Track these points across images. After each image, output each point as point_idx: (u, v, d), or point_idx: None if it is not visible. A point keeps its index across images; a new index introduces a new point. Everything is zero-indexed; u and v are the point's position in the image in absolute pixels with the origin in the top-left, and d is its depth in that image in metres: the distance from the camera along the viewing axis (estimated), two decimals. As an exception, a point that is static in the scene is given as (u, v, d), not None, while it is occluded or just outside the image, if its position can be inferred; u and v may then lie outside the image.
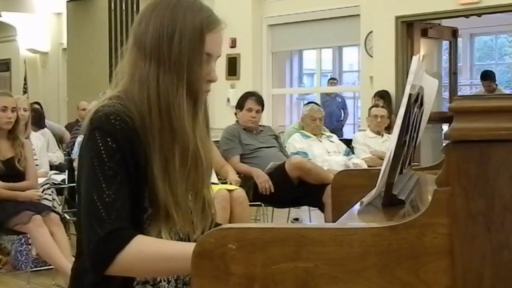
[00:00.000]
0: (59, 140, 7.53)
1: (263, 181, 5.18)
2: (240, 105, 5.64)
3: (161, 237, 1.58)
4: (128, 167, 1.53)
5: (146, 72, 1.58)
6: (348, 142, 6.54)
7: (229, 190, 4.87)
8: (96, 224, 1.47)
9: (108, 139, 1.52)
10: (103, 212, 1.47)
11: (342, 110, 11.20)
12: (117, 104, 1.57)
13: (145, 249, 1.47)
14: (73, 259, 3.80)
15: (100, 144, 1.51)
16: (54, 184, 5.74)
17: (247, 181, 5.25)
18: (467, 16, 8.38)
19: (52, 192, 5.53)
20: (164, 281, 1.65)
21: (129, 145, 1.53)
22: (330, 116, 10.17)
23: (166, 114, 1.57)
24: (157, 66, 1.58)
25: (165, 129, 1.57)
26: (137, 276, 1.57)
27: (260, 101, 5.65)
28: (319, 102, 9.03)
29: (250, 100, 5.60)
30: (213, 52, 1.63)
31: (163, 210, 1.58)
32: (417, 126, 1.80)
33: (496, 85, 10.13)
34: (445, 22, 8.92)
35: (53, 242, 4.51)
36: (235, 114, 5.71)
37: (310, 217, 6.59)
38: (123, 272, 1.50)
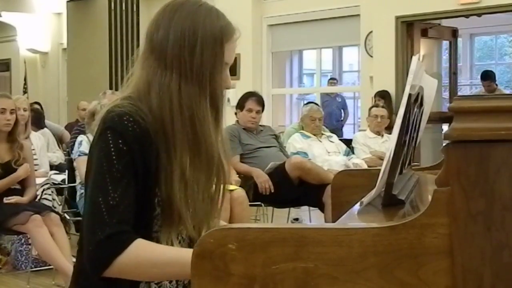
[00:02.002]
0: (58, 140, 7.53)
1: (263, 181, 5.18)
2: (240, 105, 5.63)
3: (171, 240, 1.60)
4: (136, 170, 1.53)
5: (168, 82, 1.58)
6: (348, 142, 6.54)
7: (229, 190, 4.87)
8: (97, 226, 1.48)
9: (120, 141, 1.52)
10: (105, 214, 1.48)
11: (342, 110, 11.20)
12: (129, 104, 1.57)
13: (143, 255, 1.48)
14: (73, 259, 3.80)
15: (111, 145, 1.52)
16: (54, 184, 5.75)
17: (247, 181, 5.25)
18: (467, 16, 8.38)
19: (52, 192, 5.54)
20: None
21: (139, 147, 1.53)
22: (330, 116, 10.18)
23: (190, 125, 1.57)
24: (178, 76, 1.57)
25: (187, 139, 1.57)
26: (134, 279, 1.57)
27: (260, 102, 5.65)
28: (319, 102, 9.04)
29: (251, 100, 5.60)
30: (229, 61, 1.64)
31: (177, 216, 1.58)
32: (417, 126, 1.80)
33: (496, 85, 10.13)
34: (445, 22, 8.92)
35: (53, 242, 4.50)
36: (235, 114, 5.71)
37: (310, 217, 6.59)
38: (120, 275, 1.50)
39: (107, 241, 1.46)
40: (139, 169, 1.54)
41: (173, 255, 1.49)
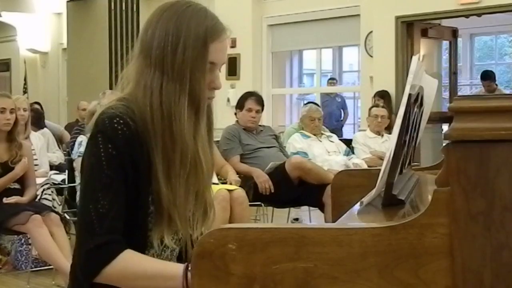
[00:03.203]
0: (58, 140, 7.53)
1: (263, 181, 5.18)
2: (240, 105, 5.63)
3: (164, 239, 1.63)
4: (126, 174, 1.57)
5: (151, 80, 1.61)
6: (348, 142, 6.53)
7: (229, 190, 4.87)
8: (88, 235, 1.53)
9: (109, 145, 1.55)
10: (95, 223, 1.53)
11: (342, 110, 11.20)
12: (122, 106, 1.60)
13: (129, 267, 1.54)
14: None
15: (102, 150, 1.56)
16: (54, 184, 5.74)
17: (247, 181, 5.24)
18: (467, 16, 8.38)
19: (52, 192, 5.53)
20: None
21: (129, 150, 1.57)
22: (330, 116, 10.17)
23: (168, 122, 1.60)
24: (161, 75, 1.60)
25: (166, 136, 1.60)
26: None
27: (260, 101, 5.65)
28: (319, 102, 9.04)
29: (250, 100, 5.60)
30: (217, 61, 1.65)
31: (166, 214, 1.61)
32: (417, 126, 1.80)
33: (496, 85, 10.13)
34: (445, 22, 8.92)
35: (53, 242, 4.50)
36: (235, 114, 5.71)
37: (310, 217, 6.58)
38: (109, 283, 1.56)
39: (96, 251, 1.52)
40: (129, 172, 1.57)
41: (160, 269, 1.54)
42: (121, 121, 1.56)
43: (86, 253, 1.52)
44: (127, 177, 1.57)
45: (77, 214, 1.59)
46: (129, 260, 1.53)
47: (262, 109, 5.69)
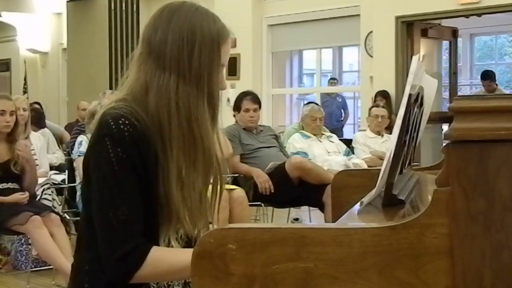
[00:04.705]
0: (58, 140, 7.53)
1: (263, 181, 5.18)
2: (237, 107, 5.63)
3: (169, 239, 1.64)
4: (138, 174, 1.56)
5: (166, 82, 1.60)
6: (348, 142, 6.54)
7: (229, 190, 4.87)
8: (114, 243, 1.54)
9: (118, 149, 1.54)
10: (119, 230, 1.54)
11: (342, 110, 11.19)
12: (125, 106, 1.59)
13: (159, 265, 1.55)
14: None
15: (112, 155, 1.54)
16: (54, 184, 5.74)
17: (247, 181, 5.25)
18: (467, 16, 8.38)
19: (52, 192, 5.53)
20: None
21: (138, 151, 1.56)
22: (330, 116, 10.17)
23: (187, 124, 1.59)
24: (176, 77, 1.60)
25: (184, 138, 1.60)
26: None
27: (256, 100, 5.64)
28: (319, 102, 9.04)
29: (246, 100, 5.59)
30: (225, 62, 1.67)
31: (175, 215, 1.62)
32: (417, 126, 1.80)
33: (496, 85, 10.13)
34: (445, 22, 8.92)
35: (53, 242, 4.50)
36: (234, 116, 5.70)
37: (310, 217, 6.59)
38: (141, 282, 1.59)
39: (124, 258, 1.53)
40: (140, 173, 1.57)
41: (186, 261, 1.52)
42: (127, 122, 1.55)
43: (116, 262, 1.53)
44: (140, 178, 1.56)
45: (94, 219, 1.58)
46: (158, 259, 1.55)
47: (260, 107, 5.68)
